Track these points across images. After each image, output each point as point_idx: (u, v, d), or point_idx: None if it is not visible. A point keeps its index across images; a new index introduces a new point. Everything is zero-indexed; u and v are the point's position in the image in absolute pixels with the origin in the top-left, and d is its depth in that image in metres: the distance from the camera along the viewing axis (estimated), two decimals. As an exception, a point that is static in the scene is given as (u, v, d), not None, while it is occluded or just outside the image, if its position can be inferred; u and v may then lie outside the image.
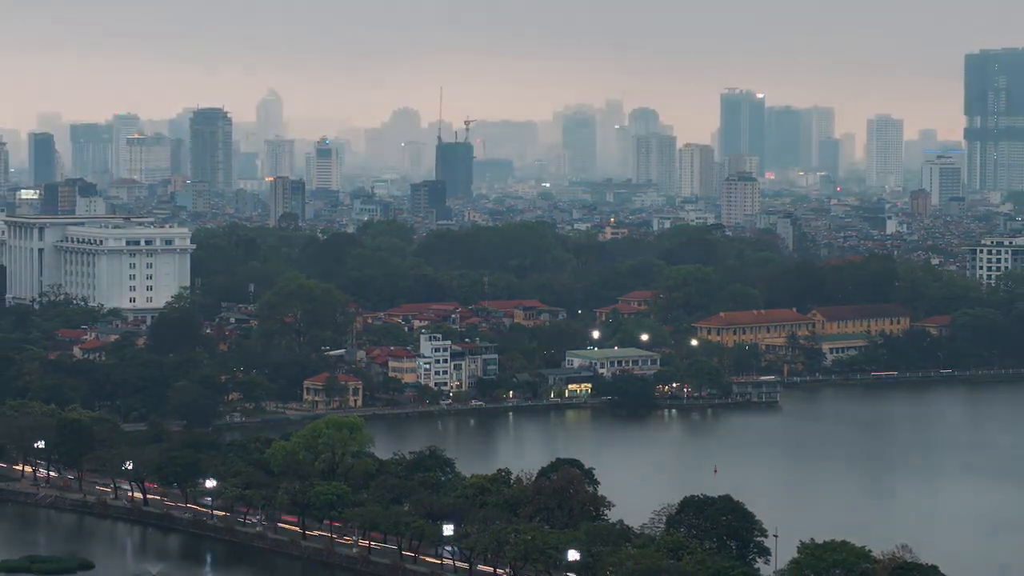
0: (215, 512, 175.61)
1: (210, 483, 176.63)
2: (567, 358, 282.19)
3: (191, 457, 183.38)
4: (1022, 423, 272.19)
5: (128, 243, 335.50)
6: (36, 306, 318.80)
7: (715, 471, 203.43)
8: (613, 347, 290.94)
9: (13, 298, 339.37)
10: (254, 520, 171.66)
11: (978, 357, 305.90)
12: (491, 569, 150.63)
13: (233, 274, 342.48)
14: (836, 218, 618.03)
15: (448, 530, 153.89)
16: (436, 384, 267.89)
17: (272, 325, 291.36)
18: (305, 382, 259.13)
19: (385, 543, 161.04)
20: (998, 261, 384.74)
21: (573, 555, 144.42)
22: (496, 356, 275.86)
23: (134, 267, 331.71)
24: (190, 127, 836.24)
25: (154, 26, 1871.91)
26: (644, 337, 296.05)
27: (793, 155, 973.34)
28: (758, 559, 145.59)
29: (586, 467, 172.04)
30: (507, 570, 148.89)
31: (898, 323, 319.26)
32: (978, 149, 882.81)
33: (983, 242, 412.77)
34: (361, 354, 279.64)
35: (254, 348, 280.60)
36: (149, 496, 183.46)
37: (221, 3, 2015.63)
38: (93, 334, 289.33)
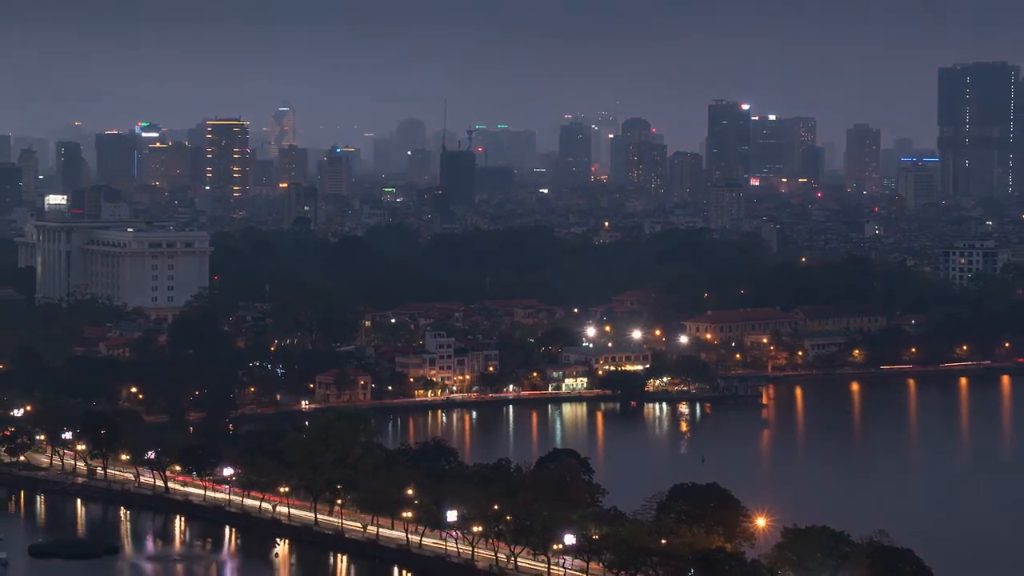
0: (232, 499, 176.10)
1: (227, 471, 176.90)
2: (564, 354, 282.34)
3: (210, 446, 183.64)
4: (992, 414, 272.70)
5: (150, 246, 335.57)
6: (64, 305, 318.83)
7: (703, 460, 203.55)
8: (607, 344, 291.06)
9: (43, 297, 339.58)
10: (269, 507, 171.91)
11: (951, 353, 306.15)
12: (491, 554, 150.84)
13: (249, 275, 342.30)
14: (817, 222, 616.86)
15: (452, 516, 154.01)
16: (440, 378, 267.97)
17: (286, 323, 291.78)
18: (317, 376, 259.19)
19: (392, 528, 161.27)
20: (970, 263, 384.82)
21: (570, 539, 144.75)
22: (497, 352, 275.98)
23: (156, 268, 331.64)
24: (209, 136, 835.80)
25: (171, 40, 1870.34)
26: (636, 334, 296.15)
27: (776, 162, 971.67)
28: (744, 543, 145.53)
29: (582, 457, 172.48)
30: (507, 553, 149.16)
31: (875, 321, 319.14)
32: (951, 157, 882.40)
33: (955, 245, 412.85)
34: (370, 350, 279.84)
35: (269, 344, 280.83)
36: (170, 485, 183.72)
37: (237, 20, 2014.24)
38: (117, 331, 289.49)
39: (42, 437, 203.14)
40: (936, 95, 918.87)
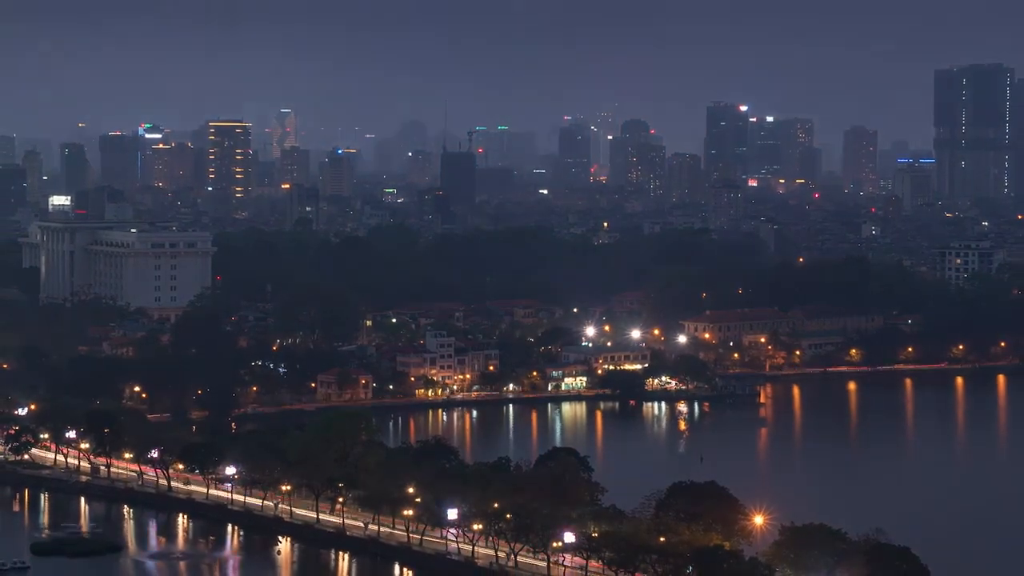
0: (234, 496, 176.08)
1: (230, 470, 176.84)
2: (564, 354, 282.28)
3: (213, 444, 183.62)
4: (989, 413, 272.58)
5: (153, 246, 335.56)
6: (68, 305, 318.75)
7: (701, 459, 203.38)
8: (606, 343, 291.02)
9: (46, 297, 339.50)
10: (272, 504, 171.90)
11: (947, 352, 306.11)
12: (492, 551, 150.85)
13: (251, 275, 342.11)
14: (814, 222, 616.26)
15: (452, 514, 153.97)
16: (441, 378, 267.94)
17: (288, 322, 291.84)
18: (318, 375, 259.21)
19: (393, 527, 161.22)
20: (966, 263, 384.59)
21: (569, 537, 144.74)
22: (497, 352, 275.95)
23: (159, 268, 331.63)
24: (211, 138, 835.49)
25: (174, 42, 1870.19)
26: (635, 334, 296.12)
27: (774, 163, 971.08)
28: (742, 541, 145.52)
29: (581, 455, 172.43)
30: (507, 551, 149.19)
31: (872, 321, 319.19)
32: (947, 158, 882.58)
33: (951, 245, 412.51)
34: (371, 350, 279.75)
35: (271, 344, 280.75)
36: (173, 483, 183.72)
37: (241, 23, 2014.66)
38: (121, 331, 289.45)
39: (46, 435, 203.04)
40: (932, 97, 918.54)
